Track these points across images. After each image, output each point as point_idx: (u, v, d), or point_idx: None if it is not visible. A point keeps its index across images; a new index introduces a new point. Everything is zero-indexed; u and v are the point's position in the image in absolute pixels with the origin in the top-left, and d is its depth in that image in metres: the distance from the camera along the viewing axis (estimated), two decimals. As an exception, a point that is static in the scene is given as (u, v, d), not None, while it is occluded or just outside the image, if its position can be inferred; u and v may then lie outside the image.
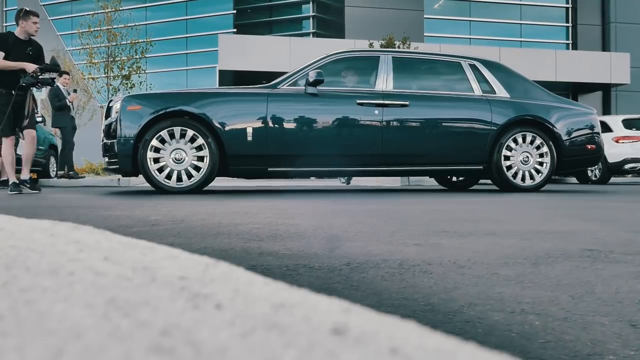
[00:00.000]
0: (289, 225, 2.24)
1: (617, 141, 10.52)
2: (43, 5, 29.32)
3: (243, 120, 5.11)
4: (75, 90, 10.32)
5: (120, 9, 17.06)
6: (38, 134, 10.38)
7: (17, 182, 5.74)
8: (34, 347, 0.38)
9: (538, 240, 1.80)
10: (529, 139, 5.69)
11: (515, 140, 5.68)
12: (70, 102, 9.50)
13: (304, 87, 5.27)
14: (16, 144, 8.80)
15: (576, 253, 1.54)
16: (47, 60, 5.80)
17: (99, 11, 16.94)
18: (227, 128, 5.04)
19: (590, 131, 5.96)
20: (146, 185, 7.44)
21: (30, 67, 5.43)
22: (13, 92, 5.48)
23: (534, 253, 1.54)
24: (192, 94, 5.21)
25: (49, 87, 5.62)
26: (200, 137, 4.95)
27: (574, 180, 12.09)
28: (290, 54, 16.92)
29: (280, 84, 5.38)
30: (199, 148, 4.96)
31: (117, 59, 16.27)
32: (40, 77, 5.46)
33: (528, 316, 0.90)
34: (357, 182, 10.44)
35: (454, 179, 7.32)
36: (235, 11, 25.92)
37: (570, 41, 23.03)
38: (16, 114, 5.66)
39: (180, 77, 26.42)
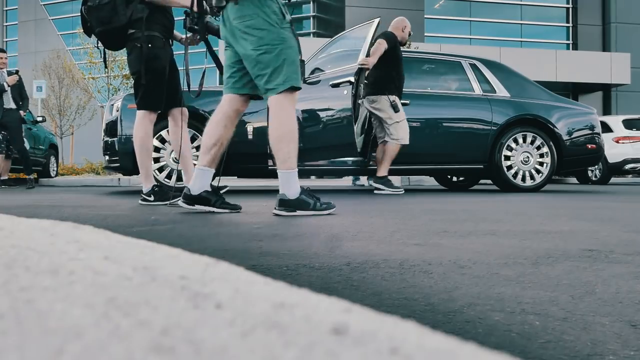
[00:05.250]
0: (289, 225, 2.24)
1: (617, 141, 10.52)
2: (43, 5, 29.31)
3: (243, 119, 5.11)
4: (17, 72, 8.00)
5: (121, 8, 17.03)
6: (38, 133, 10.40)
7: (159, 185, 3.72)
8: (34, 346, 0.38)
9: (538, 240, 1.80)
10: (529, 139, 5.70)
11: (515, 140, 5.68)
12: (8, 85, 7.75)
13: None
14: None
15: (576, 253, 1.54)
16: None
17: (99, 11, 16.91)
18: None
19: (591, 131, 5.97)
20: (146, 185, 7.42)
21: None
22: (166, 40, 3.62)
23: (534, 253, 1.53)
24: (192, 92, 5.20)
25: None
26: (200, 136, 4.95)
27: (574, 180, 12.08)
28: (290, 53, 16.88)
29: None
30: (199, 147, 4.95)
31: (117, 58, 16.27)
32: (207, 21, 3.54)
33: (528, 316, 0.90)
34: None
35: (454, 178, 7.32)
36: (235, 11, 25.88)
37: (570, 41, 23.02)
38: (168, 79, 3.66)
39: (180, 77, 26.39)
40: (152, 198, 3.57)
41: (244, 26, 2.62)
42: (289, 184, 2.67)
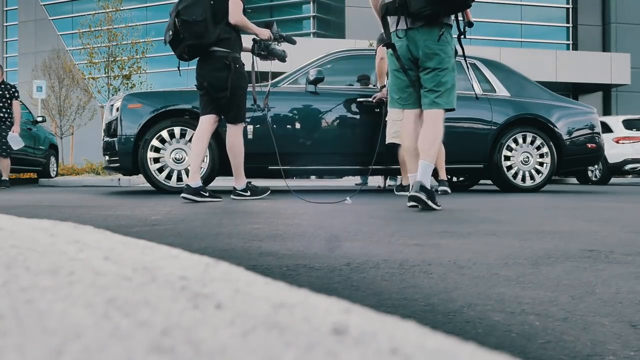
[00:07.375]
0: (289, 225, 2.24)
1: (617, 142, 10.52)
2: (43, 5, 29.31)
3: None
4: None
5: (121, 8, 17.06)
6: (38, 133, 10.40)
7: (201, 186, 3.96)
8: (34, 347, 0.38)
9: (538, 241, 1.80)
10: (529, 138, 5.69)
11: (515, 140, 5.68)
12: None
13: (304, 86, 5.28)
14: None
15: (576, 253, 1.54)
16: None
17: (99, 11, 16.95)
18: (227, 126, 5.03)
19: (591, 131, 5.97)
20: (146, 185, 7.45)
21: (265, 32, 4.05)
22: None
23: (534, 253, 1.53)
24: (192, 92, 5.20)
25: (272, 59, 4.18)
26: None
27: (574, 180, 12.07)
28: (290, 53, 16.89)
29: (280, 82, 5.38)
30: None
31: (117, 58, 16.27)
32: (272, 47, 4.12)
33: (528, 316, 0.90)
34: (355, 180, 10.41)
35: (454, 179, 7.32)
36: (235, 11, 25.89)
37: (570, 41, 23.02)
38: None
39: (180, 77, 26.43)
40: (248, 193, 4.15)
41: (438, 48, 3.10)
42: (426, 174, 3.09)
